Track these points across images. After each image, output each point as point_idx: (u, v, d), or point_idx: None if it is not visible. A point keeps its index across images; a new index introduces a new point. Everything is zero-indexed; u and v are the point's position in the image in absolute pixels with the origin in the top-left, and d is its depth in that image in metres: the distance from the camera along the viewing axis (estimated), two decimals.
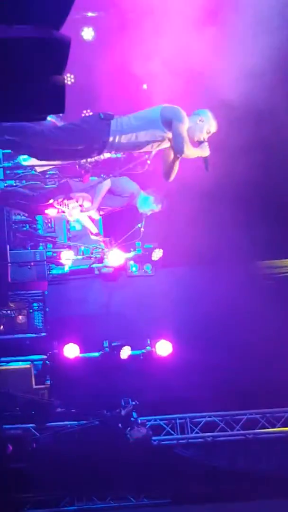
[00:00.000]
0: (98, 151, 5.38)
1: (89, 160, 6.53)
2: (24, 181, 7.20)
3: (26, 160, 7.14)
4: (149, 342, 7.71)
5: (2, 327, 7.59)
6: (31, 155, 6.12)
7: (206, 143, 5.24)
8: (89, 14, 7.29)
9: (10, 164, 7.35)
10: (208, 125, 5.25)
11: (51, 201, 6.95)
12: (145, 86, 7.05)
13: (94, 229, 7.12)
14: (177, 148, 4.99)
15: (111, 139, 5.10)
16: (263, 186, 7.13)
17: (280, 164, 7.07)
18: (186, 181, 5.58)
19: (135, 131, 5.19)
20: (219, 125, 5.05)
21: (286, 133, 6.84)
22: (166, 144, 5.30)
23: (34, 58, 4.19)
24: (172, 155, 5.27)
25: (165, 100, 5.23)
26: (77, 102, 6.78)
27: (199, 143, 5.25)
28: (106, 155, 6.81)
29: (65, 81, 4.41)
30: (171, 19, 6.39)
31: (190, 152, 5.05)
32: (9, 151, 7.06)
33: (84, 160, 6.50)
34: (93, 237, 7.19)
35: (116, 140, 5.16)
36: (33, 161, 7.03)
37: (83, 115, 7.27)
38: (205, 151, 5.16)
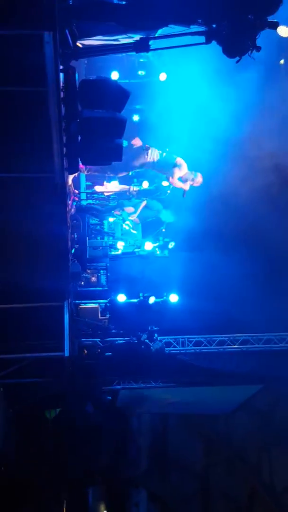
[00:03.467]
0: None
1: (135, 189, 10.31)
2: (97, 201, 10.25)
3: (99, 188, 10.44)
4: (165, 294, 9.73)
5: (83, 283, 9.74)
6: None
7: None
8: (137, 106, 10.61)
9: (90, 191, 10.33)
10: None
11: (113, 211, 10.14)
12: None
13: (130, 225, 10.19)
14: None
15: None
16: None
17: None
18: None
19: None
20: None
21: None
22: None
23: (107, 128, 7.58)
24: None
25: None
26: None
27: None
28: (144, 186, 10.53)
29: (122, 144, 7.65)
30: None
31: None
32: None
33: (132, 189, 10.28)
34: (132, 231, 10.14)
35: None
36: (102, 189, 10.48)
37: None
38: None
